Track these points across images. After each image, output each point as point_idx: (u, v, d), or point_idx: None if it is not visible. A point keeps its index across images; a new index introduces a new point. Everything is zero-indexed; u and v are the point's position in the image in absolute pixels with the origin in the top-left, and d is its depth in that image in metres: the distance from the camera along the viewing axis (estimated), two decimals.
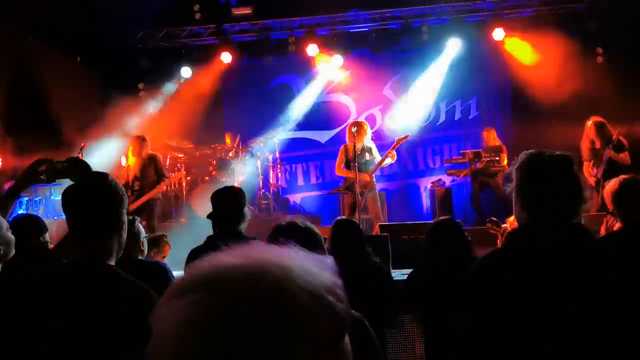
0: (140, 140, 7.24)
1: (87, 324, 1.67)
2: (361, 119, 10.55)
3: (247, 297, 0.62)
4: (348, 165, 7.55)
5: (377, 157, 7.62)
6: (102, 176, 1.93)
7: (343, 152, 7.64)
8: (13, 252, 3.16)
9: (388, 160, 7.57)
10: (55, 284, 1.80)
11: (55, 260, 2.08)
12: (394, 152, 7.57)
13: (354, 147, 7.34)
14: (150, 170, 7.14)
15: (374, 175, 7.66)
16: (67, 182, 2.15)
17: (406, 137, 7.85)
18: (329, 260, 0.73)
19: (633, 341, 1.63)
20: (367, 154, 7.56)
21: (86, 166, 2.25)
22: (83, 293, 1.74)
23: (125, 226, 1.94)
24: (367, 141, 7.62)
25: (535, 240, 1.76)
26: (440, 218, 3.79)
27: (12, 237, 3.18)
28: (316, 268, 0.68)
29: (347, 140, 7.72)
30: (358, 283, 3.16)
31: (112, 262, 1.86)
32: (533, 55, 9.55)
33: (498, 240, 4.64)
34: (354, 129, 7.47)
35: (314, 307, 0.63)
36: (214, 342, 0.60)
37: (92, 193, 1.88)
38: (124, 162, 9.23)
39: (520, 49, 9.74)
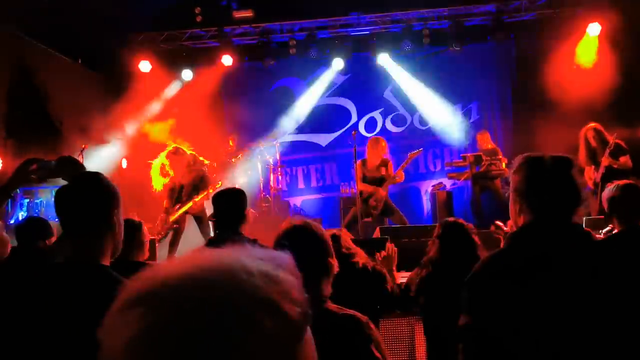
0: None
1: (77, 324, 1.64)
2: (362, 122, 10.60)
3: (191, 310, 0.59)
4: (365, 179, 7.75)
5: (392, 171, 7.79)
6: (94, 175, 1.90)
7: (360, 167, 7.74)
8: (7, 252, 3.16)
9: (396, 179, 7.78)
10: (45, 284, 1.78)
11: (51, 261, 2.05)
12: (402, 173, 7.75)
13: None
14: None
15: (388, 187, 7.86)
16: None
17: (420, 150, 7.98)
18: (287, 259, 0.70)
19: (634, 343, 1.63)
20: (383, 169, 7.74)
21: (78, 165, 2.21)
22: (73, 293, 1.72)
23: (120, 227, 1.89)
24: (385, 156, 7.84)
25: (535, 241, 1.76)
26: (448, 219, 3.76)
27: (7, 237, 3.17)
28: (270, 270, 0.65)
29: (365, 155, 7.85)
30: (351, 287, 3.17)
31: (106, 262, 1.83)
32: (534, 59, 9.55)
33: (501, 244, 4.63)
34: (372, 144, 7.78)
35: (262, 315, 0.61)
36: (159, 358, 0.58)
37: (83, 193, 1.84)
38: (124, 165, 9.25)
39: (522, 53, 9.75)
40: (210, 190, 6.65)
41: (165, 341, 0.58)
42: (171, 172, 6.87)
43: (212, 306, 0.60)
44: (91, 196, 1.84)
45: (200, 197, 6.77)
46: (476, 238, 3.57)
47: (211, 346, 0.58)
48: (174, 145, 7.06)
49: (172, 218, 6.80)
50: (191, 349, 0.58)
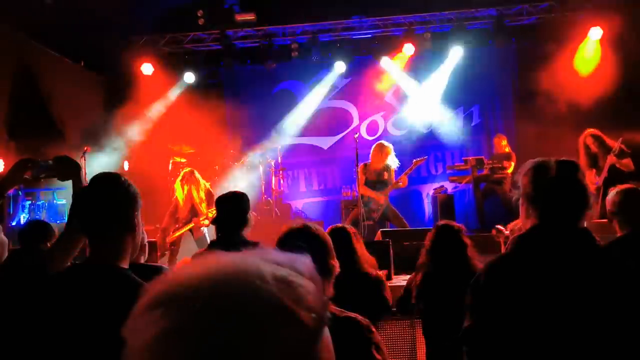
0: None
1: (96, 326, 1.63)
2: (364, 125, 10.60)
3: (210, 313, 0.61)
4: (367, 182, 7.72)
5: (394, 176, 7.76)
6: (114, 177, 1.86)
7: (363, 170, 7.72)
8: (6, 254, 3.16)
9: (399, 185, 7.73)
10: (64, 286, 1.76)
11: (48, 263, 2.03)
12: (406, 178, 7.73)
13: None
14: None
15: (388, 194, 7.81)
16: (69, 185, 2.14)
17: (424, 158, 8.00)
18: (306, 262, 0.70)
19: (638, 347, 1.64)
20: (385, 174, 7.71)
21: (74, 165, 2.19)
22: (93, 296, 1.70)
23: (139, 228, 1.87)
24: (389, 161, 7.77)
25: (542, 245, 1.78)
26: (440, 223, 3.77)
27: (5, 239, 3.17)
28: (286, 275, 0.66)
29: (370, 159, 7.80)
30: (350, 290, 3.19)
31: (125, 265, 1.81)
32: (536, 62, 9.56)
33: (502, 247, 4.63)
34: (377, 150, 7.72)
35: (275, 321, 0.61)
36: (179, 358, 0.59)
37: (103, 195, 1.81)
38: (126, 167, 9.26)
39: (523, 56, 9.76)
40: (207, 221, 6.71)
41: (181, 344, 0.60)
42: (185, 191, 6.93)
43: (225, 312, 0.61)
44: (113, 198, 1.81)
45: (189, 226, 6.83)
46: (467, 240, 3.57)
47: (224, 352, 0.59)
48: (190, 168, 7.18)
49: (169, 239, 6.84)
50: (205, 352, 0.59)
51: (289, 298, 0.63)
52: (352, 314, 1.96)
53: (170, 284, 0.64)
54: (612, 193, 3.42)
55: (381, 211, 7.66)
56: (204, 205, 6.86)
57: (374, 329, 1.96)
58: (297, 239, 1.95)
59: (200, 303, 0.61)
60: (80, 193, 1.83)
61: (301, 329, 0.63)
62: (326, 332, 0.69)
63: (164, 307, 0.62)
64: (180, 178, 7.04)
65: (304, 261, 0.70)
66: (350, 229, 3.46)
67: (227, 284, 0.63)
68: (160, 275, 0.67)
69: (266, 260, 0.68)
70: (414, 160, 7.82)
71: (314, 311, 0.65)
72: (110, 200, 1.81)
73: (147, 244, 3.60)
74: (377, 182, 7.69)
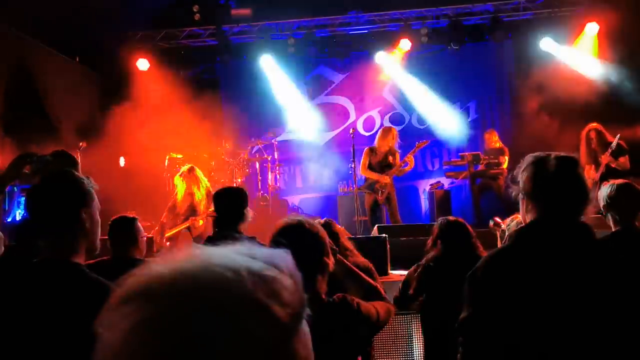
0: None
1: (48, 322, 1.65)
2: (360, 120, 10.59)
3: (182, 305, 0.60)
4: (371, 167, 7.67)
5: (399, 160, 7.73)
6: (62, 174, 1.89)
7: (368, 154, 7.69)
8: (2, 249, 3.16)
9: (407, 167, 7.70)
10: (18, 283, 1.79)
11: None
12: (412, 158, 7.70)
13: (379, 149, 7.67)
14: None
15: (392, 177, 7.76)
16: None
17: (427, 141, 7.98)
18: (285, 258, 0.69)
19: (634, 340, 1.65)
20: (390, 157, 7.67)
21: (72, 159, 2.20)
22: (44, 292, 1.72)
23: (94, 224, 1.88)
24: (394, 146, 7.73)
25: (540, 239, 1.79)
26: (448, 218, 3.74)
27: (0, 234, 3.18)
28: (261, 269, 0.65)
29: (375, 143, 7.77)
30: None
31: (79, 260, 1.82)
32: (532, 57, 9.57)
33: (498, 241, 4.63)
34: (383, 133, 7.69)
35: (247, 316, 0.61)
36: (149, 352, 0.59)
37: (49, 192, 1.84)
38: (122, 163, 9.24)
39: (520, 52, 9.76)
40: (201, 222, 6.66)
41: (153, 336, 0.59)
42: (185, 186, 6.87)
43: (197, 305, 0.60)
44: (56, 195, 1.84)
45: (187, 224, 6.80)
46: (477, 241, 3.56)
47: (195, 344, 0.59)
48: (191, 164, 7.06)
49: (167, 235, 6.80)
50: (177, 345, 0.59)
51: (263, 292, 0.62)
52: (337, 295, 2.00)
53: (144, 277, 0.64)
54: (605, 188, 3.41)
55: (386, 194, 7.62)
56: (203, 203, 6.79)
57: (361, 304, 2.01)
58: (290, 235, 1.94)
59: (172, 295, 0.61)
60: (30, 192, 1.85)
61: (275, 323, 0.62)
62: (304, 328, 0.68)
63: (137, 300, 0.62)
64: (180, 173, 6.98)
65: (283, 256, 0.69)
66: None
67: (200, 277, 0.62)
68: (135, 270, 0.66)
69: (242, 254, 0.67)
70: (417, 143, 7.82)
71: (289, 307, 0.64)
72: (56, 199, 1.83)
73: (141, 237, 3.59)
74: (382, 165, 7.64)
